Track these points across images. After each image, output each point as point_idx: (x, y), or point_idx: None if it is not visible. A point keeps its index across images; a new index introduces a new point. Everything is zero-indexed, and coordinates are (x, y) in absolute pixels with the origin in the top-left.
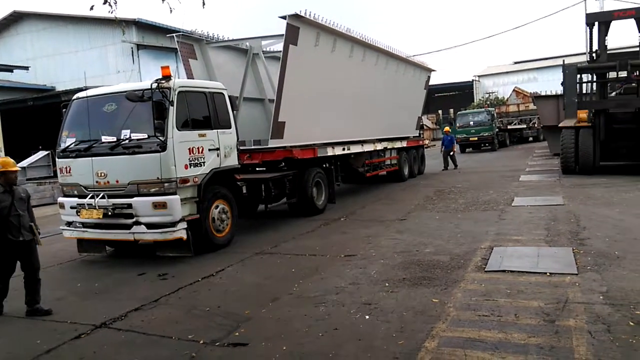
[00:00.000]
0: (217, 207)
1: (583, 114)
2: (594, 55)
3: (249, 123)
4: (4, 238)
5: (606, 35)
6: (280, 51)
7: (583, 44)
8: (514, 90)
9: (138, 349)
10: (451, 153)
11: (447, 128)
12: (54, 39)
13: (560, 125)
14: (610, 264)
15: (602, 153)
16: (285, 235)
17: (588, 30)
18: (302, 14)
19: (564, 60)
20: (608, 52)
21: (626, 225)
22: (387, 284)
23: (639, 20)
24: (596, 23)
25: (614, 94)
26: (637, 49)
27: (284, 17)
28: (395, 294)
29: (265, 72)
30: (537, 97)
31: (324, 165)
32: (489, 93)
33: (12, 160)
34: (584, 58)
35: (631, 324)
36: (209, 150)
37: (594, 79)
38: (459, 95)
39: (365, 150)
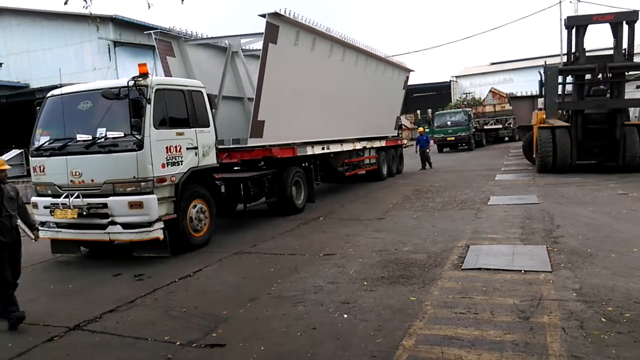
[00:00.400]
0: (195, 206)
1: (542, 115)
2: (571, 57)
3: (228, 122)
4: None
5: (582, 37)
6: (260, 50)
7: (558, 45)
8: (490, 90)
9: (113, 351)
10: (427, 153)
11: (421, 128)
12: (29, 35)
13: (540, 125)
14: (583, 261)
15: (577, 152)
16: (264, 235)
17: (567, 32)
18: (282, 13)
19: (545, 62)
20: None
21: (598, 224)
22: (365, 283)
23: (614, 25)
24: (575, 26)
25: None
26: (612, 52)
27: (263, 16)
28: (373, 293)
29: (244, 70)
30: (512, 98)
31: (304, 165)
32: (466, 93)
33: (1, 158)
34: (559, 59)
35: (603, 320)
36: (187, 149)
37: (572, 81)
38: (436, 95)
39: (345, 149)
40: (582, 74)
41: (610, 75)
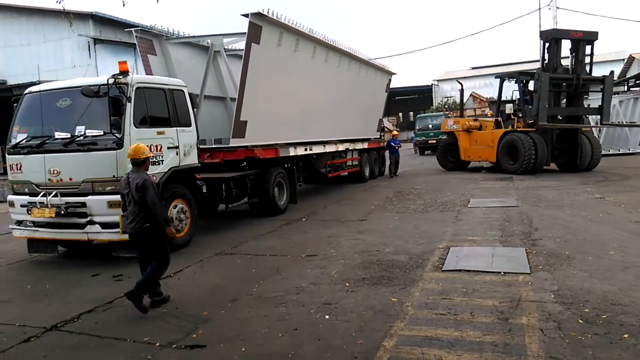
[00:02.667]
0: (175, 206)
1: (467, 122)
2: (544, 66)
3: (210, 121)
4: None
5: (559, 49)
6: (243, 49)
7: (536, 51)
8: (471, 95)
9: (91, 352)
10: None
11: (395, 131)
12: (6, 31)
13: (519, 130)
14: (561, 263)
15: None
16: (246, 236)
17: (542, 44)
18: (265, 13)
19: (538, 69)
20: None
21: (576, 227)
22: (347, 284)
23: (576, 42)
24: (552, 39)
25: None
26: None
27: (246, 15)
28: (355, 294)
29: (227, 70)
30: (492, 102)
31: (286, 165)
32: (448, 97)
33: None
34: (538, 65)
35: (580, 321)
36: (168, 148)
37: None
38: (418, 98)
39: (327, 150)
40: (558, 83)
41: (581, 85)
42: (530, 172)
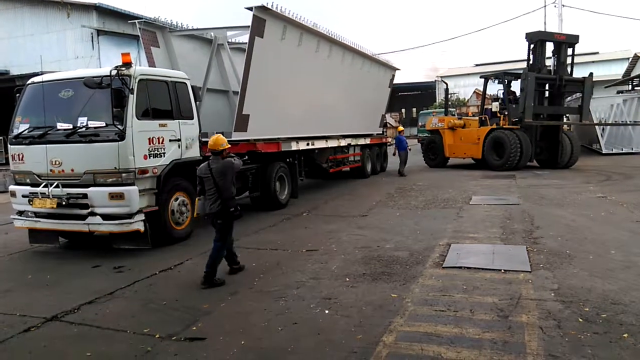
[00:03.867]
0: (176, 199)
1: (451, 119)
2: (529, 66)
3: (212, 115)
4: None
5: (544, 51)
6: (246, 43)
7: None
8: (474, 92)
9: (91, 343)
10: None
11: (400, 127)
12: (9, 21)
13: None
14: (561, 262)
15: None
16: (247, 229)
17: (533, 46)
18: (269, 6)
19: (525, 69)
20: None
21: (577, 226)
22: (347, 279)
23: (558, 44)
24: (538, 41)
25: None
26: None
27: (250, 9)
28: (355, 289)
29: (230, 63)
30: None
31: (288, 160)
32: (451, 94)
33: None
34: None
35: (580, 320)
36: (170, 140)
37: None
38: (421, 95)
39: (330, 145)
40: (542, 83)
41: (564, 85)
42: (514, 168)
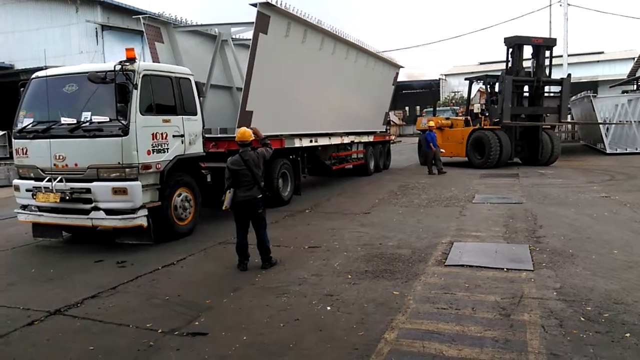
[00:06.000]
0: (180, 195)
1: (440, 120)
2: (507, 69)
3: (215, 111)
4: None
5: (522, 54)
6: (250, 39)
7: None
8: (478, 90)
9: (94, 337)
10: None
11: (432, 122)
12: (14, 15)
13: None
14: (564, 261)
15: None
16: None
17: (511, 50)
18: (273, 3)
19: (502, 71)
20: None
21: (580, 225)
22: (349, 276)
23: (536, 48)
24: (515, 45)
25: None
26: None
27: (254, 5)
28: (357, 286)
29: (233, 59)
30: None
31: (291, 157)
32: (455, 92)
33: None
34: (546, 62)
35: (582, 319)
36: (173, 136)
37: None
38: (425, 93)
39: (333, 143)
40: (522, 85)
41: (541, 86)
42: (495, 166)
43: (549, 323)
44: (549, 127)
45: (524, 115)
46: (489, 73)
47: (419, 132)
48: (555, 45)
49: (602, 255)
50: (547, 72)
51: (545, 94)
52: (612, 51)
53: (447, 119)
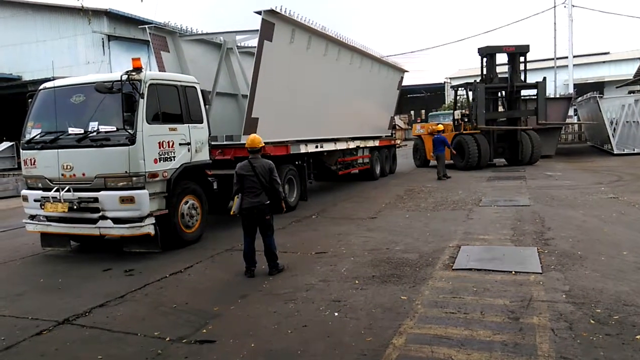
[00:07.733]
0: (186, 202)
1: (435, 126)
2: (482, 77)
3: (221, 118)
4: None
5: (494, 62)
6: (255, 47)
7: (551, 49)
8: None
9: (102, 345)
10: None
11: (440, 125)
12: (21, 27)
13: (465, 132)
14: (573, 263)
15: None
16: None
17: (485, 59)
18: (278, 10)
19: (475, 80)
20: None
21: (589, 227)
22: (356, 281)
23: (511, 55)
24: (488, 54)
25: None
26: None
27: (259, 13)
28: (364, 291)
29: (239, 67)
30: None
31: (297, 163)
32: (460, 95)
33: None
34: (551, 63)
35: (592, 322)
36: (180, 144)
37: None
38: (430, 96)
39: (338, 148)
40: (496, 91)
41: (515, 91)
42: (476, 168)
43: (559, 326)
44: (531, 128)
45: (501, 119)
46: (469, 82)
47: (415, 137)
48: (528, 51)
49: (611, 257)
50: (523, 77)
51: (527, 97)
52: (618, 51)
53: (438, 124)
